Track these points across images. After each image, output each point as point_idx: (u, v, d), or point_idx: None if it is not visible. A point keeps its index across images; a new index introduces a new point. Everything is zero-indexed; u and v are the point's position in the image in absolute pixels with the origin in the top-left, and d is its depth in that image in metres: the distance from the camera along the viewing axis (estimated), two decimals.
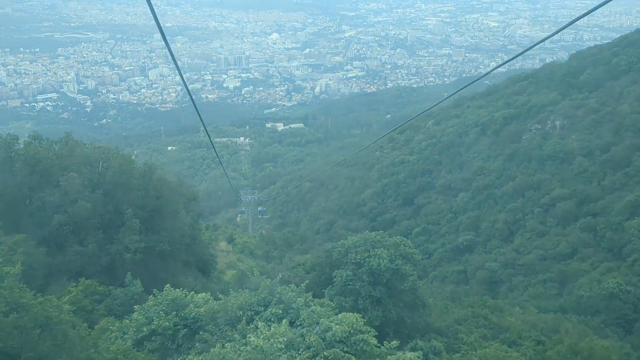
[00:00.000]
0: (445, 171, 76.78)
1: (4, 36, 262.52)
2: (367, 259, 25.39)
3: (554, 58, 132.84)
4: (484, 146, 74.93)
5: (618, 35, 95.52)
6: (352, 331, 15.12)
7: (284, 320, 15.38)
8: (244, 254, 54.73)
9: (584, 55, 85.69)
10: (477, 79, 18.36)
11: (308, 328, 15.33)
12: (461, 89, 17.98)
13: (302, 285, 18.29)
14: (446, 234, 64.48)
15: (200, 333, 15.75)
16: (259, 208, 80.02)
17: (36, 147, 25.31)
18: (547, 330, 29.25)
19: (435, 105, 47.72)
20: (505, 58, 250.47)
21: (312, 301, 17.70)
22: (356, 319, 15.54)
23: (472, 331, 27.30)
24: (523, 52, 12.23)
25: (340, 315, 16.09)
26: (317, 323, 15.49)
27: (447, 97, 61.70)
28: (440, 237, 64.31)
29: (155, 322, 15.63)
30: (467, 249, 59.50)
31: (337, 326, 15.03)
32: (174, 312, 16.13)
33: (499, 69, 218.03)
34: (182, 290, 17.25)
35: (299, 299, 16.82)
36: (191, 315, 16.13)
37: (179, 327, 15.80)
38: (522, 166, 65.83)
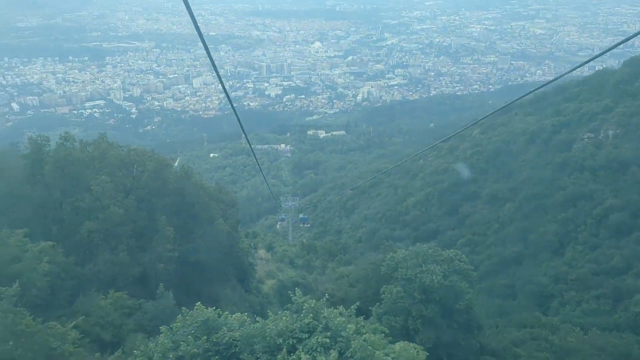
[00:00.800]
0: (492, 180, 74.24)
1: (54, 45, 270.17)
2: (419, 275, 23.79)
3: (603, 66, 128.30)
4: (533, 155, 72.14)
5: None
6: None
7: (333, 353, 12.97)
8: (284, 262, 53.58)
9: (638, 61, 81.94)
10: (540, 87, 16.21)
11: None
12: (518, 98, 16.28)
13: (352, 308, 15.70)
14: (492, 245, 61.98)
15: None
16: (300, 215, 76.96)
17: (68, 149, 23.73)
18: (619, 356, 26.73)
19: (487, 116, 45.86)
20: (552, 65, 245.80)
21: (364, 327, 15.32)
22: (417, 351, 13.49)
23: (533, 355, 25.16)
24: (589, 61, 11.06)
25: (397, 346, 13.87)
26: (372, 356, 13.16)
27: (501, 108, 59.65)
28: (487, 248, 61.82)
29: (182, 348, 13.45)
30: (515, 262, 56.93)
31: None
32: (205, 337, 13.94)
33: (546, 77, 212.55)
34: (214, 309, 15.04)
35: (349, 326, 14.06)
36: (224, 341, 13.88)
37: (210, 353, 13.71)
38: (573, 176, 62.83)
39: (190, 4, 7.90)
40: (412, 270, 24.16)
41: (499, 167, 75.18)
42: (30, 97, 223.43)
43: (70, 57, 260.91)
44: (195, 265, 25.06)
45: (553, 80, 13.08)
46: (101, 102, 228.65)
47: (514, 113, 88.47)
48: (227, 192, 40.66)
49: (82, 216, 21.72)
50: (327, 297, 16.37)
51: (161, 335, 14.33)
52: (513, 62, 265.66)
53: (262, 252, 54.84)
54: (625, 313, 40.20)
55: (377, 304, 25.20)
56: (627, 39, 9.01)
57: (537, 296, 49.31)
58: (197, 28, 8.70)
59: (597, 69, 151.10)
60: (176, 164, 30.42)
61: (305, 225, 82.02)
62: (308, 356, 12.79)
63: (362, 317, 16.58)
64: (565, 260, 52.91)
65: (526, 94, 14.15)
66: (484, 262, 59.30)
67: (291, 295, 15.56)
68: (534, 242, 58.15)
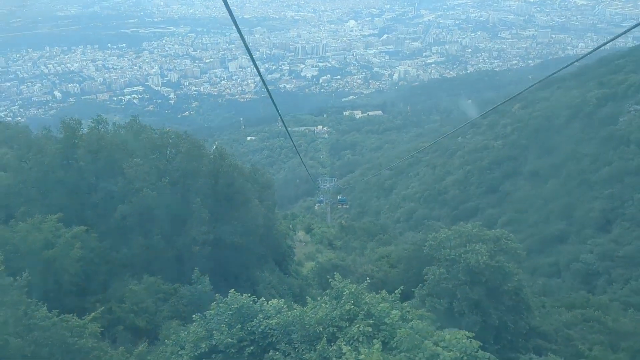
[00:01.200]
0: (533, 157, 72.09)
1: (92, 33, 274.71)
2: (463, 255, 22.62)
3: None
4: (576, 130, 69.51)
5: None
6: (465, 358, 11.64)
7: (376, 342, 11.75)
8: (323, 244, 53.04)
9: None
10: (576, 60, 15.21)
11: (407, 354, 11.66)
12: (556, 72, 15.22)
13: (396, 292, 14.42)
14: (535, 223, 60.23)
15: (271, 352, 12.77)
16: (339, 197, 75.44)
17: (100, 133, 23.47)
18: None
19: (526, 90, 44.10)
20: (595, 37, 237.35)
21: (409, 312, 14.05)
22: (470, 340, 12.00)
23: (587, 338, 24.14)
24: (628, 31, 10.01)
25: (447, 334, 12.45)
26: (419, 347, 11.82)
27: (539, 81, 57.20)
28: (529, 227, 60.01)
29: (216, 337, 12.85)
30: (559, 240, 55.18)
31: (448, 353, 11.54)
32: (239, 325, 13.22)
33: (588, 50, 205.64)
34: (250, 296, 14.06)
35: (393, 312, 12.84)
36: (260, 329, 13.10)
37: (244, 343, 12.97)
38: (620, 150, 60.17)
39: None
40: (456, 251, 23.09)
41: (541, 143, 72.89)
42: (72, 85, 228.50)
43: (109, 44, 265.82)
44: (232, 248, 24.36)
45: (593, 51, 12.01)
46: (140, 88, 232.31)
47: (556, 87, 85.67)
48: (263, 174, 39.79)
49: (116, 200, 21.43)
50: (368, 280, 15.79)
51: (194, 323, 13.75)
52: (553, 36, 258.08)
53: (301, 234, 54.64)
54: None
55: (420, 285, 24.45)
56: None
57: (583, 274, 47.69)
58: (230, 13, 8.68)
59: None
60: (214, 147, 30.01)
61: (345, 206, 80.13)
62: (349, 347, 11.81)
63: (406, 302, 15.42)
64: (612, 237, 50.99)
65: (564, 67, 13.18)
66: (527, 240, 57.56)
67: (330, 280, 14.71)
68: (578, 219, 56.31)
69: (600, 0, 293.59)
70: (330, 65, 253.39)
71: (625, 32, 10.19)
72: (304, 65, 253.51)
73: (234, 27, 9.01)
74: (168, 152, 24.95)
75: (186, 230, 22.53)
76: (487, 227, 28.44)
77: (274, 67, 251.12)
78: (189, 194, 23.52)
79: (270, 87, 15.67)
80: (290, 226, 54.65)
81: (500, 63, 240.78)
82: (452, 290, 22.71)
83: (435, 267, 23.75)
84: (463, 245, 23.46)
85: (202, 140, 26.77)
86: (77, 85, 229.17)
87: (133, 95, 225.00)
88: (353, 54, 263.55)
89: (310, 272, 39.29)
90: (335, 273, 14.82)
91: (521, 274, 23.74)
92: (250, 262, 27.08)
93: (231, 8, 8.68)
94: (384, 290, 14.62)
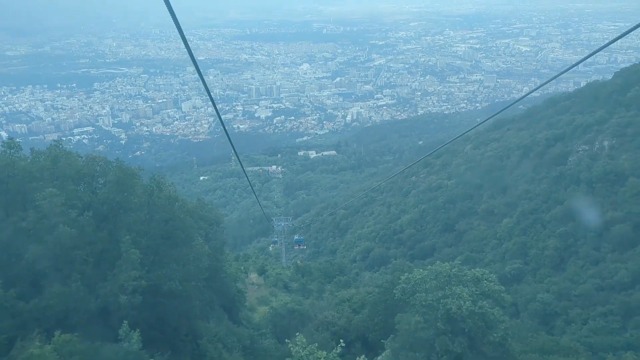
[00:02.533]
0: (487, 196, 72.33)
1: (42, 73, 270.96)
2: (442, 300, 20.07)
3: (588, 81, 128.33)
4: (528, 169, 70.31)
5: None
6: None
7: None
8: (277, 287, 50.63)
9: (630, 72, 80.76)
10: (515, 102, 14.84)
11: None
12: (498, 112, 15.13)
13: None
14: (491, 262, 59.71)
15: None
16: (296, 237, 70.23)
17: (11, 159, 19.99)
18: None
19: (472, 128, 44.48)
20: (539, 82, 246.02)
21: None
22: None
23: None
24: (560, 74, 11.58)
25: None
26: None
27: (484, 121, 57.05)
28: (486, 266, 59.25)
29: None
30: (516, 279, 54.60)
31: None
32: None
33: (532, 94, 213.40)
34: None
35: None
36: None
37: None
38: (570, 189, 60.99)
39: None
40: (434, 295, 20.59)
41: (494, 182, 73.30)
42: (19, 125, 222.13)
43: (59, 84, 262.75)
44: (170, 295, 20.91)
45: (526, 95, 13.31)
46: (90, 129, 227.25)
47: (506, 128, 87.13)
48: (211, 209, 36.51)
49: (28, 239, 18.00)
50: (342, 343, 13.26)
51: None
52: (499, 80, 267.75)
53: (253, 277, 51.95)
54: (638, 331, 37.94)
55: (392, 336, 22.05)
56: (592, 54, 10.40)
57: (541, 314, 46.89)
58: (190, 52, 8.58)
59: (581, 84, 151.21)
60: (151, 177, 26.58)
61: (302, 247, 75.06)
62: None
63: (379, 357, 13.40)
64: (567, 275, 50.71)
65: (506, 107, 12.81)
66: None
67: (290, 345, 12.56)
68: (534, 258, 56.07)
69: (542, 47, 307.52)
70: (284, 107, 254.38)
71: (558, 75, 11.60)
72: (257, 106, 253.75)
73: (188, 68, 7.76)
74: (94, 181, 22.02)
75: (114, 275, 19.11)
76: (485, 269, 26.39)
77: (227, 107, 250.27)
78: (118, 231, 20.41)
79: (225, 126, 14.18)
80: (242, 268, 52.09)
81: (449, 106, 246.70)
82: (429, 341, 20.12)
83: (409, 315, 21.30)
84: (441, 288, 21.06)
85: (137, 168, 23.45)
86: (25, 125, 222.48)
87: (83, 136, 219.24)
88: (307, 96, 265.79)
89: (264, 319, 36.66)
90: (298, 334, 12.76)
91: (507, 322, 21.19)
92: (193, 311, 23.76)
93: (185, 50, 8.34)
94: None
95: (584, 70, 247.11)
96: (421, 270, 23.08)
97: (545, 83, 12.21)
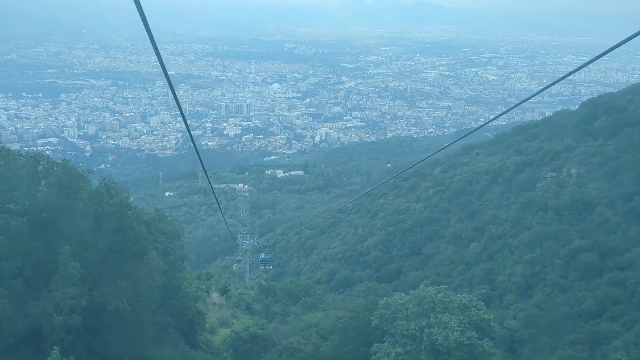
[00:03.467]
0: (455, 219, 72.51)
1: (7, 81, 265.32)
2: (426, 330, 18.61)
3: (553, 112, 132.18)
4: (496, 194, 70.91)
5: (616, 90, 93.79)
6: None
7: None
8: (240, 308, 48.80)
9: (596, 102, 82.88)
10: (480, 127, 14.46)
11: None
12: (463, 136, 15.19)
13: None
14: (458, 287, 59.35)
15: None
16: (261, 256, 64.85)
17: None
18: None
19: (439, 151, 44.93)
20: (504, 110, 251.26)
21: None
22: None
23: None
24: (521, 102, 12.61)
25: None
26: None
27: (450, 144, 58.03)
28: (452, 290, 58.83)
29: None
30: (483, 304, 54.45)
31: None
32: None
33: (498, 122, 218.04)
34: None
35: None
36: None
37: None
38: (538, 215, 61.39)
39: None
40: (417, 323, 18.90)
41: (462, 206, 73.62)
42: None
43: (24, 94, 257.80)
44: (116, 317, 18.22)
45: (495, 118, 12.42)
46: (54, 140, 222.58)
47: (475, 153, 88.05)
48: (170, 221, 33.48)
49: None
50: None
51: None
52: (467, 107, 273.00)
53: (215, 297, 50.07)
54: None
55: None
56: (554, 82, 11.41)
57: (509, 341, 46.53)
58: (162, 64, 8.44)
59: (546, 114, 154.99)
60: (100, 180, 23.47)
61: (267, 267, 70.12)
62: None
63: None
64: (534, 302, 50.66)
65: (473, 131, 13.37)
66: None
67: None
68: (501, 284, 55.99)
69: (509, 76, 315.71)
70: (253, 125, 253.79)
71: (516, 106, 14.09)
72: (227, 124, 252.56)
73: (157, 82, 7.13)
74: (36, 183, 19.60)
75: (49, 292, 16.59)
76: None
77: (196, 124, 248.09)
78: (57, 241, 17.68)
79: (194, 142, 13.37)
80: (204, 287, 50.29)
81: (417, 130, 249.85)
82: None
83: (387, 345, 19.43)
84: (425, 315, 19.36)
85: (85, 170, 21.07)
86: None
87: (46, 147, 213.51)
88: (276, 115, 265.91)
89: (224, 343, 34.53)
90: None
91: (498, 355, 19.64)
92: (143, 335, 20.96)
93: (156, 64, 7.11)
94: None
95: (549, 101, 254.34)
96: (402, 294, 21.40)
97: (511, 109, 13.16)
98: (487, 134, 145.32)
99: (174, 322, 27.87)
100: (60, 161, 20.45)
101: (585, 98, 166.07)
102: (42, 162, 20.00)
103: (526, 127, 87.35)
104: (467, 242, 66.77)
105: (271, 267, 72.71)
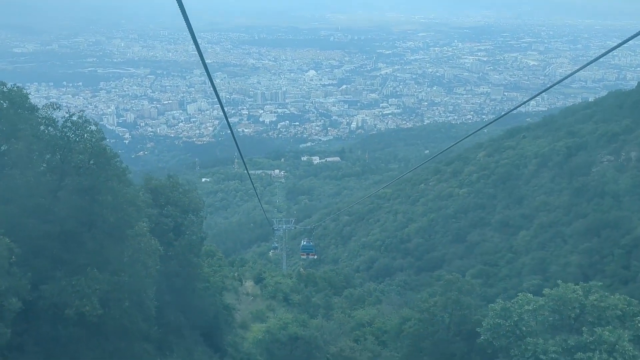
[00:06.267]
0: (502, 206, 68.91)
1: (49, 70, 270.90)
2: (579, 354, 13.34)
3: (597, 97, 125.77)
4: (546, 179, 66.90)
5: None
6: None
7: None
8: (276, 299, 44.46)
9: None
10: (519, 105, 12.06)
11: None
12: (500, 117, 14.63)
13: None
14: (507, 277, 56.16)
15: None
16: (303, 242, 50.05)
17: None
18: None
19: (477, 131, 42.12)
20: (546, 97, 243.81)
21: None
22: None
23: None
24: (558, 82, 11.62)
25: None
26: None
27: (488, 124, 54.33)
28: (500, 280, 55.88)
29: None
30: (536, 295, 50.97)
31: None
32: None
33: (539, 108, 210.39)
34: None
35: None
36: None
37: None
38: (594, 202, 57.13)
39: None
40: (559, 342, 13.09)
41: (509, 192, 69.97)
42: None
43: (65, 83, 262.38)
44: (82, 323, 12.75)
45: (523, 103, 15.31)
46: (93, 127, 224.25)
47: (521, 136, 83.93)
48: (187, 191, 27.50)
49: None
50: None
51: None
52: (506, 93, 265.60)
53: (249, 285, 46.57)
54: None
55: None
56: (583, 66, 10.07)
57: None
58: (200, 53, 8.40)
59: (590, 100, 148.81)
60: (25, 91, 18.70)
61: (311, 257, 54.45)
62: None
63: None
64: None
65: (510, 111, 10.91)
66: (501, 295, 53.28)
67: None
68: (554, 275, 52.04)
69: (550, 62, 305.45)
70: (289, 112, 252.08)
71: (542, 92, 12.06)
72: (262, 111, 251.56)
73: (195, 71, 5.48)
74: None
75: None
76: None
77: (233, 111, 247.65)
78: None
79: (229, 130, 10.97)
80: (236, 275, 45.78)
81: (455, 117, 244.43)
82: None
83: None
84: (570, 327, 13.53)
85: (21, 88, 15.71)
86: None
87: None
88: (312, 102, 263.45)
89: (257, 345, 29.36)
90: None
91: None
92: (131, 348, 14.96)
93: (193, 53, 5.54)
94: None
95: (592, 86, 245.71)
96: (529, 295, 15.49)
97: (549, 88, 13.25)
98: (528, 119, 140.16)
99: (190, 322, 22.34)
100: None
101: (632, 83, 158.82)
102: None
103: (576, 109, 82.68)
104: (514, 229, 63.17)
105: (315, 257, 59.53)
